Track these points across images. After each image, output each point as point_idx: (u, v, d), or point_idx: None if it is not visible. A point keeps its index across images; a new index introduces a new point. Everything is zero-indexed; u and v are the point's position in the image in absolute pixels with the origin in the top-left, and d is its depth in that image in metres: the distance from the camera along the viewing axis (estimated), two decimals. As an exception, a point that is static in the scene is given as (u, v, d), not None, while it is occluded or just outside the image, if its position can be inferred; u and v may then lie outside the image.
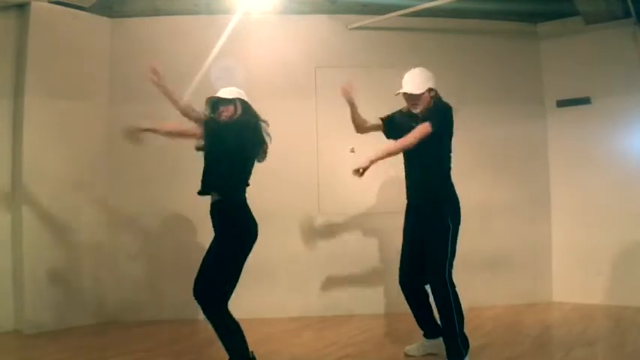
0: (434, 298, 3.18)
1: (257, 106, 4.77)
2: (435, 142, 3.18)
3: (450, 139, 3.31)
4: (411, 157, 3.33)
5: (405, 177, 3.45)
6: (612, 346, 3.40)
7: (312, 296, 4.73)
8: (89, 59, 4.65)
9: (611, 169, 4.83)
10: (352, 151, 4.87)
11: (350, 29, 4.96)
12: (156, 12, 4.78)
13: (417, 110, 3.25)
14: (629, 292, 4.66)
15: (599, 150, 4.90)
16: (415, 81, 3.24)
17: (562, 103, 5.10)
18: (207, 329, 4.15)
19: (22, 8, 4.30)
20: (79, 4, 4.47)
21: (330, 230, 4.82)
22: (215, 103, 3.09)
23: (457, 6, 4.63)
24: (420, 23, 4.98)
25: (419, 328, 3.46)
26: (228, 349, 2.83)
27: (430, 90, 3.24)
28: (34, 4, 4.27)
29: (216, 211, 2.94)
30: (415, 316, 3.45)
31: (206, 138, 2.97)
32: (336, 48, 4.97)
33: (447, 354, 3.13)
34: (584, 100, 4.98)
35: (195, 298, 2.84)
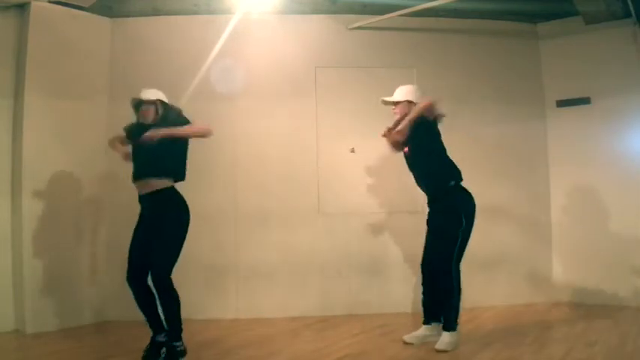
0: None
1: (257, 106, 4.85)
2: None
3: None
4: None
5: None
6: (612, 346, 3.40)
7: (312, 296, 4.73)
8: (89, 59, 4.65)
9: (611, 168, 4.82)
10: (352, 151, 4.87)
11: (350, 29, 4.96)
12: (156, 12, 4.78)
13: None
14: (628, 292, 4.66)
15: (599, 150, 4.89)
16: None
17: (562, 103, 5.10)
18: (206, 329, 4.16)
19: (22, 8, 4.30)
20: (79, 4, 4.47)
21: (330, 230, 4.82)
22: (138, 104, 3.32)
23: (457, 6, 4.63)
24: (420, 23, 4.98)
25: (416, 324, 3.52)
26: (178, 320, 3.15)
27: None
28: (34, 4, 4.27)
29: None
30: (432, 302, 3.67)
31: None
32: (336, 48, 4.97)
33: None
34: (584, 100, 4.98)
35: (160, 280, 3.11)
